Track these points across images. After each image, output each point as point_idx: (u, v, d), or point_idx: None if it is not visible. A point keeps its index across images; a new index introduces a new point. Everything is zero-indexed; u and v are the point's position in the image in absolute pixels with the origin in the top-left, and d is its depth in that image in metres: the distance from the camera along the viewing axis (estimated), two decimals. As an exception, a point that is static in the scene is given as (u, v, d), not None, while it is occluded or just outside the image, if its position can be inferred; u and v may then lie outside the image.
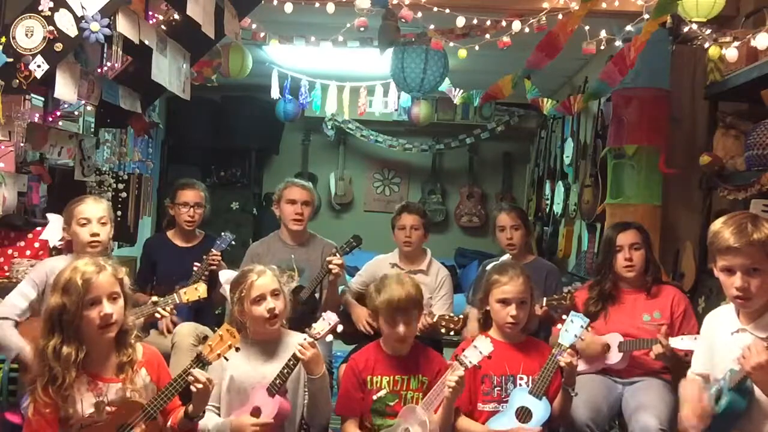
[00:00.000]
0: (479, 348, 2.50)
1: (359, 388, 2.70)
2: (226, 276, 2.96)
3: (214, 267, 3.57)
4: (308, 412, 2.66)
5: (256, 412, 2.52)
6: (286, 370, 2.54)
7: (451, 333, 3.39)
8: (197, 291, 3.15)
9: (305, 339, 2.56)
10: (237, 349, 2.41)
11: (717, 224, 2.16)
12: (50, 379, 2.14)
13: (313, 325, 2.61)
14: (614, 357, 3.06)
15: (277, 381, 2.53)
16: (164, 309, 3.08)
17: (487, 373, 2.70)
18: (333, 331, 2.62)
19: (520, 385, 2.71)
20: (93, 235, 2.97)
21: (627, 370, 3.08)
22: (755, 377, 2.00)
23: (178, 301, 3.12)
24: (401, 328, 2.67)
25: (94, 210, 3.01)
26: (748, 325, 2.16)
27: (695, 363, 2.41)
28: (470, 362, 2.48)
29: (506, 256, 3.34)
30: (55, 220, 3.38)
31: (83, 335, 2.19)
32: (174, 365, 2.88)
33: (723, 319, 2.26)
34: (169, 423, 2.32)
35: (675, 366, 2.93)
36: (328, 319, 2.61)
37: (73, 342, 2.16)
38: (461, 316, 3.44)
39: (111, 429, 2.19)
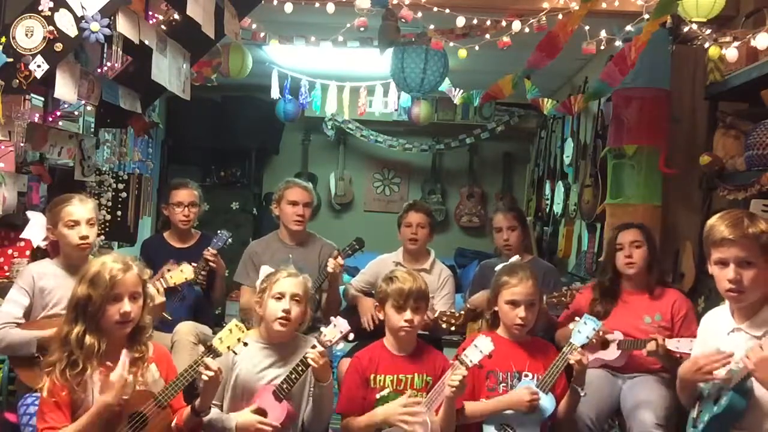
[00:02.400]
0: (480, 347, 2.51)
1: (362, 386, 2.71)
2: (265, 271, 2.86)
3: (213, 266, 3.58)
4: (309, 417, 2.66)
5: (260, 412, 2.52)
6: (294, 375, 2.54)
7: (452, 328, 3.40)
8: (183, 273, 3.19)
9: (316, 347, 2.52)
10: (245, 344, 2.44)
11: (713, 219, 2.19)
12: (69, 364, 2.21)
13: (324, 331, 2.58)
14: (613, 354, 3.08)
15: (285, 386, 2.54)
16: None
17: (493, 369, 2.73)
18: (344, 338, 2.59)
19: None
20: (83, 238, 2.89)
21: (625, 367, 3.11)
22: (760, 376, 1.99)
23: (165, 285, 3.13)
24: (409, 314, 2.69)
25: (82, 211, 2.92)
26: (742, 324, 2.17)
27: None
28: (471, 361, 2.49)
29: (515, 257, 3.35)
30: (36, 218, 3.25)
31: (101, 327, 2.26)
32: (174, 364, 2.88)
33: (719, 320, 2.28)
34: (173, 422, 2.35)
35: (673, 367, 2.94)
36: (340, 326, 2.57)
37: (95, 333, 2.24)
38: (462, 312, 3.45)
39: (124, 416, 2.24)
